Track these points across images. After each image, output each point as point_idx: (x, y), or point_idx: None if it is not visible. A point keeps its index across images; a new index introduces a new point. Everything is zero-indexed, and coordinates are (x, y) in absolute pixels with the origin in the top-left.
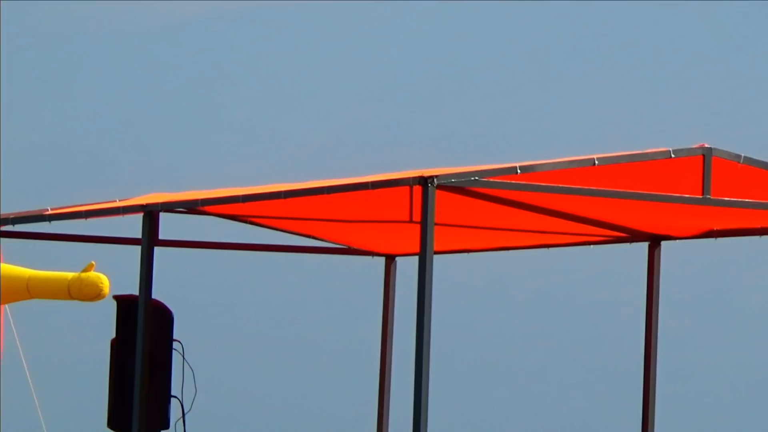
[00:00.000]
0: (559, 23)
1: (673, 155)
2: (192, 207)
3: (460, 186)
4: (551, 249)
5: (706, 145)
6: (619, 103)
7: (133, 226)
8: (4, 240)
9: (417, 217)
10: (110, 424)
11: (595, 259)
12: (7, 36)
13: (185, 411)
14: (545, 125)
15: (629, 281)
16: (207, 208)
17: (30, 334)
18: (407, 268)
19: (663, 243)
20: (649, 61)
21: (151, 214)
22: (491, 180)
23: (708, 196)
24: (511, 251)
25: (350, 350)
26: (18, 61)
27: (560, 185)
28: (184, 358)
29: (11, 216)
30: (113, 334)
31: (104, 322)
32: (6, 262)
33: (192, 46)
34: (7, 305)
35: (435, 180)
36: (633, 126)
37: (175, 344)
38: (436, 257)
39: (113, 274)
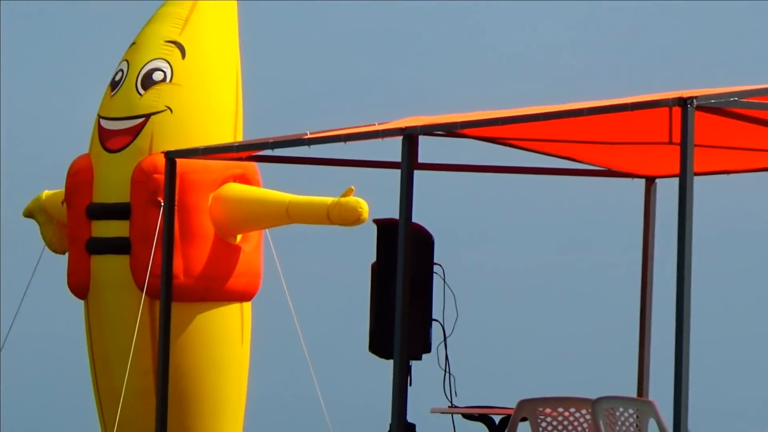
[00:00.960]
0: None
1: None
2: (451, 130)
3: (719, 107)
4: None
5: None
6: None
7: (392, 149)
8: (263, 164)
9: (676, 138)
10: (371, 348)
11: None
12: None
13: (446, 335)
14: None
15: None
16: (466, 131)
17: (290, 259)
18: (667, 190)
19: None
20: None
21: (410, 137)
22: (751, 101)
23: None
24: None
25: (610, 272)
26: None
27: None
28: (444, 281)
29: (270, 140)
30: (374, 258)
31: (365, 247)
32: (266, 187)
33: None
34: (267, 230)
35: (694, 101)
36: None
37: (435, 268)
38: (695, 178)
39: (373, 197)
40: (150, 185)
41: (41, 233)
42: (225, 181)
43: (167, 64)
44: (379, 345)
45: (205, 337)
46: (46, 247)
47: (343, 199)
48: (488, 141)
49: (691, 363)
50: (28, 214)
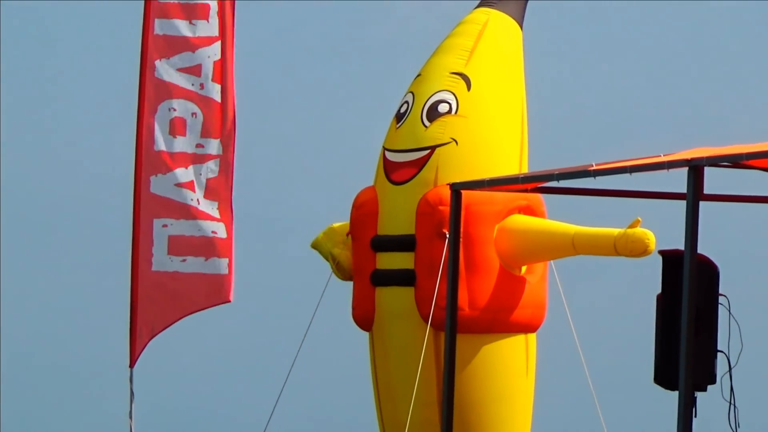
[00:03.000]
0: None
1: None
2: (737, 161)
3: None
4: None
5: None
6: None
7: (677, 180)
8: (549, 196)
9: None
10: (657, 380)
11: None
12: None
13: (732, 366)
14: None
15: None
16: (752, 162)
17: (575, 290)
18: None
19: None
20: None
21: (696, 168)
22: None
23: None
24: None
25: None
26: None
27: None
28: (730, 312)
29: (556, 172)
30: (659, 290)
31: (650, 278)
32: (551, 218)
33: None
34: (552, 261)
35: None
36: None
37: (721, 299)
38: None
39: (658, 229)
40: (435, 217)
41: (330, 264)
42: (510, 212)
43: (453, 96)
44: (665, 376)
45: (489, 368)
46: (334, 275)
47: (630, 231)
48: None
49: None
50: (315, 245)
